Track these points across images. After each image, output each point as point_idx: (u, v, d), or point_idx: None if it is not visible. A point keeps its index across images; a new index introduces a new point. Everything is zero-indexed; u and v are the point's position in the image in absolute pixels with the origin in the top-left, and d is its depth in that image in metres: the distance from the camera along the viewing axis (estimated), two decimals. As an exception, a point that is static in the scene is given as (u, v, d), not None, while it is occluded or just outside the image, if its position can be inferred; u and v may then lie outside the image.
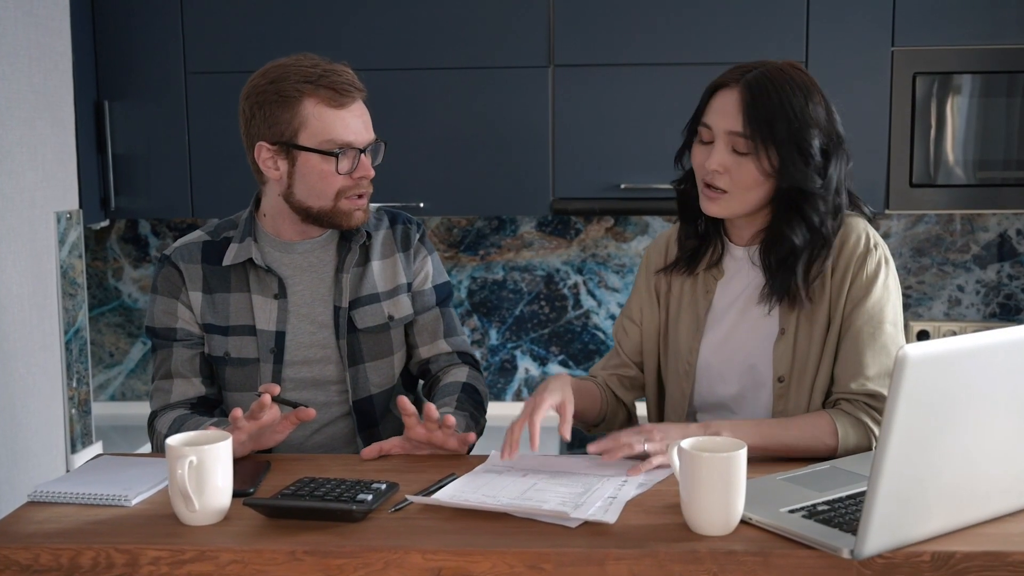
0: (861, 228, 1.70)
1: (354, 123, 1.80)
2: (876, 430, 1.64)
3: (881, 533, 1.23)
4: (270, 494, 1.48)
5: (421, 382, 2.04)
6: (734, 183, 1.65)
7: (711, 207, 1.69)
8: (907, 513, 1.25)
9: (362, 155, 1.82)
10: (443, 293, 1.99)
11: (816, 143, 1.63)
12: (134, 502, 1.48)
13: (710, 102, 1.68)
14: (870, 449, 1.64)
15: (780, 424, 1.65)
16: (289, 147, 1.80)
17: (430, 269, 1.97)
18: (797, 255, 1.67)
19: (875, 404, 1.64)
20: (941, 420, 1.23)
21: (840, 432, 1.63)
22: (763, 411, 1.74)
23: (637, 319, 1.87)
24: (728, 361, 1.76)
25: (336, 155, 1.78)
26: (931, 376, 1.19)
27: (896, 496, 1.22)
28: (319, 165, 1.80)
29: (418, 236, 1.96)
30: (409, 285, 1.94)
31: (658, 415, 1.88)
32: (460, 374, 1.92)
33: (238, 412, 1.62)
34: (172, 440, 1.40)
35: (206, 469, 1.37)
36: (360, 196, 1.83)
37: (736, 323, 1.75)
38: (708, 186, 1.68)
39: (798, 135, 1.62)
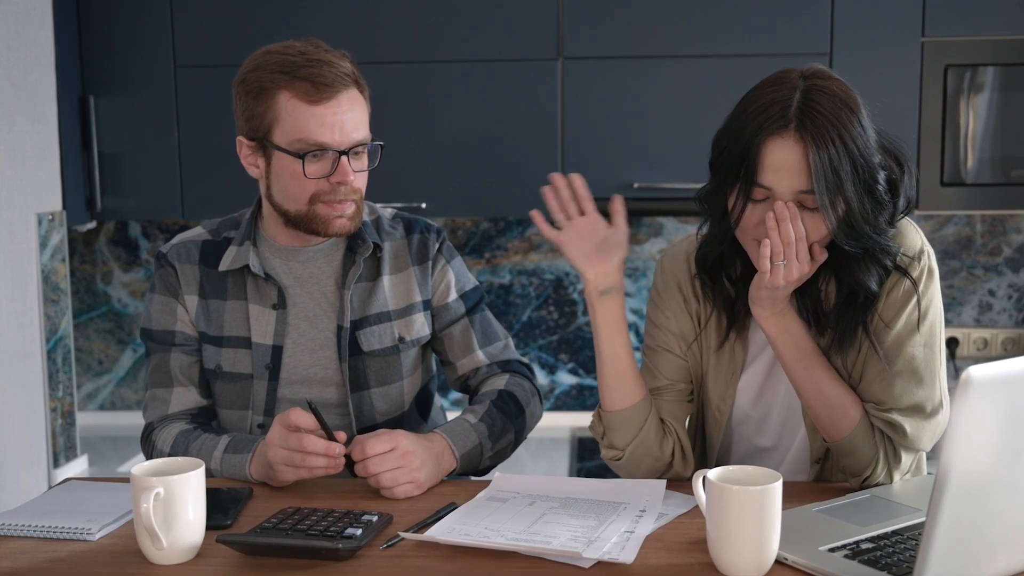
0: (908, 233, 1.52)
1: (332, 121, 1.62)
2: (886, 464, 1.49)
3: (938, 578, 1.09)
4: (249, 526, 1.34)
5: (442, 403, 1.87)
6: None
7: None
8: (967, 554, 1.11)
9: (343, 158, 1.64)
10: (472, 300, 1.82)
11: (882, 176, 1.43)
12: (98, 536, 1.36)
13: (762, 158, 1.41)
14: (870, 474, 1.49)
15: (825, 366, 1.49)
16: (264, 144, 1.66)
17: (452, 278, 1.80)
18: (873, 299, 1.49)
19: (893, 435, 1.48)
20: (1006, 449, 1.09)
21: (861, 423, 1.48)
22: (800, 448, 1.60)
23: (673, 344, 1.62)
24: (767, 409, 1.60)
25: (302, 157, 1.62)
26: (997, 400, 1.05)
27: (956, 534, 1.08)
28: (290, 166, 1.64)
29: (436, 246, 1.79)
30: (426, 303, 1.78)
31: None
32: (499, 382, 1.75)
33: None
34: (137, 469, 1.27)
35: (175, 502, 1.24)
36: (341, 202, 1.66)
37: (774, 364, 1.58)
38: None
39: (866, 174, 1.41)
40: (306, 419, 1.50)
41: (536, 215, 1.59)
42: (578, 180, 1.58)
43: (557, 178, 1.58)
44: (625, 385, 1.54)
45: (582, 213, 1.58)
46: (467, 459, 1.62)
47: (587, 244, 1.55)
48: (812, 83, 1.42)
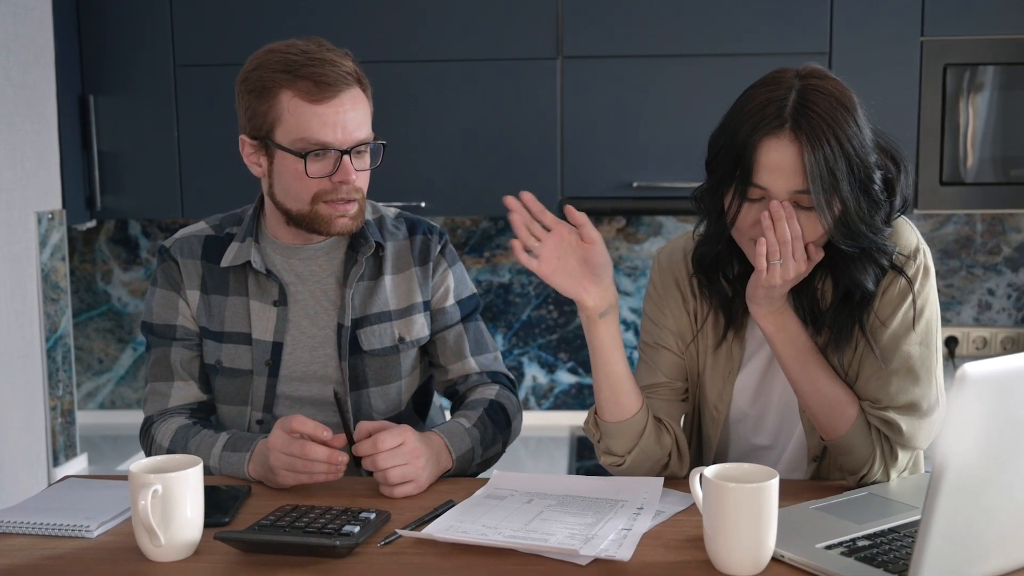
0: (903, 232, 1.53)
1: (335, 121, 1.61)
2: (882, 462, 1.49)
3: (934, 575, 1.08)
4: (248, 524, 1.34)
5: (441, 403, 1.86)
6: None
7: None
8: (963, 551, 1.11)
9: (345, 157, 1.63)
10: (468, 307, 1.82)
11: (878, 176, 1.43)
12: (96, 533, 1.36)
13: (757, 158, 1.40)
14: (867, 472, 1.49)
15: (822, 364, 1.48)
16: (266, 143, 1.65)
17: (451, 283, 1.80)
18: (869, 297, 1.48)
19: (890, 433, 1.47)
20: (1002, 446, 1.08)
21: (858, 421, 1.47)
22: (796, 446, 1.59)
23: (670, 341, 1.62)
24: (764, 408, 1.59)
25: (305, 156, 1.62)
26: (993, 397, 1.05)
27: (951, 532, 1.08)
28: (292, 165, 1.64)
29: (439, 248, 1.79)
30: (426, 304, 1.78)
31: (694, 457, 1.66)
32: (489, 391, 1.75)
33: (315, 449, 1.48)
34: (135, 466, 1.27)
35: (173, 499, 1.23)
36: (343, 202, 1.65)
37: (771, 362, 1.57)
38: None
39: (862, 174, 1.40)
40: (308, 425, 1.50)
41: (517, 245, 1.46)
42: (529, 196, 1.47)
43: (512, 201, 1.46)
44: (624, 398, 1.52)
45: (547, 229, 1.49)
46: (461, 461, 1.62)
47: (571, 265, 1.47)
48: (808, 83, 1.41)
